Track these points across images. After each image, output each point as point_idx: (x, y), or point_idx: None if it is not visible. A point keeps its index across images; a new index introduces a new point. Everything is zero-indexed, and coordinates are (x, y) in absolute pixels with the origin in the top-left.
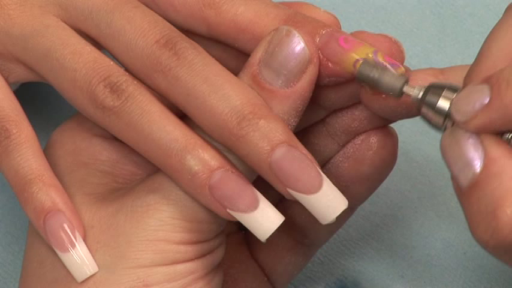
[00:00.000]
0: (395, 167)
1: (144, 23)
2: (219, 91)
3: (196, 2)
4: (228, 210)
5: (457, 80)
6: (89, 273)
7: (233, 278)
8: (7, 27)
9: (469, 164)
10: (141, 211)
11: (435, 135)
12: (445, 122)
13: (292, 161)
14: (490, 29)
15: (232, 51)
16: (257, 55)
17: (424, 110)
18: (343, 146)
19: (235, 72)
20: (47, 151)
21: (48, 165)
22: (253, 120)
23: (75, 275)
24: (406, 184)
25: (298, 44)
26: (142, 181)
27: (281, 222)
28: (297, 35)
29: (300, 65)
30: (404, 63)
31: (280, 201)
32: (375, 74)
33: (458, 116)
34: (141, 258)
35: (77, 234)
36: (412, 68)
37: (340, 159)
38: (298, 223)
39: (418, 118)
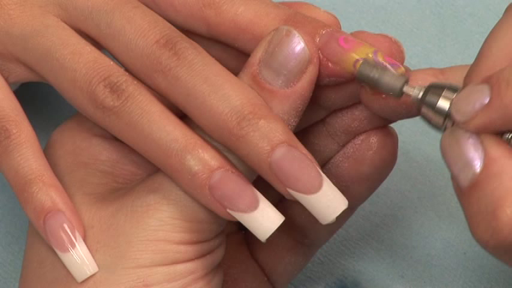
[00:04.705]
0: (395, 167)
1: (144, 23)
2: (219, 91)
3: (196, 2)
4: (228, 210)
5: (457, 80)
6: (89, 273)
7: (233, 278)
8: (7, 27)
9: (469, 164)
10: (141, 211)
11: (435, 135)
12: (445, 122)
13: (292, 161)
14: (490, 29)
15: (232, 51)
16: (257, 55)
17: (424, 110)
18: (343, 146)
19: (235, 72)
20: (47, 151)
21: (48, 165)
22: (253, 120)
23: (75, 275)
24: (406, 184)
25: (298, 44)
26: (142, 181)
27: (281, 222)
28: (297, 35)
29: (300, 65)
30: (404, 63)
31: (280, 201)
32: (375, 74)
33: (458, 116)
34: (141, 258)
35: (77, 234)
36: (412, 68)
37: (340, 159)
38: (298, 223)
39: (418, 118)
